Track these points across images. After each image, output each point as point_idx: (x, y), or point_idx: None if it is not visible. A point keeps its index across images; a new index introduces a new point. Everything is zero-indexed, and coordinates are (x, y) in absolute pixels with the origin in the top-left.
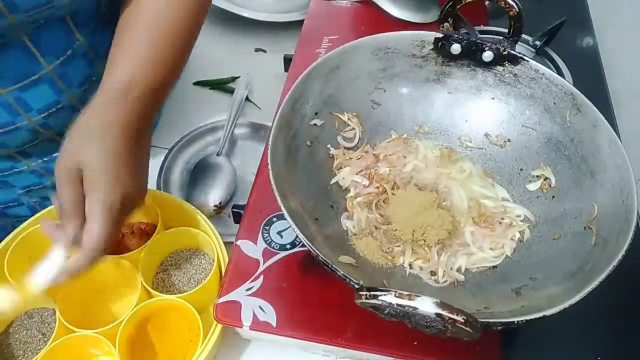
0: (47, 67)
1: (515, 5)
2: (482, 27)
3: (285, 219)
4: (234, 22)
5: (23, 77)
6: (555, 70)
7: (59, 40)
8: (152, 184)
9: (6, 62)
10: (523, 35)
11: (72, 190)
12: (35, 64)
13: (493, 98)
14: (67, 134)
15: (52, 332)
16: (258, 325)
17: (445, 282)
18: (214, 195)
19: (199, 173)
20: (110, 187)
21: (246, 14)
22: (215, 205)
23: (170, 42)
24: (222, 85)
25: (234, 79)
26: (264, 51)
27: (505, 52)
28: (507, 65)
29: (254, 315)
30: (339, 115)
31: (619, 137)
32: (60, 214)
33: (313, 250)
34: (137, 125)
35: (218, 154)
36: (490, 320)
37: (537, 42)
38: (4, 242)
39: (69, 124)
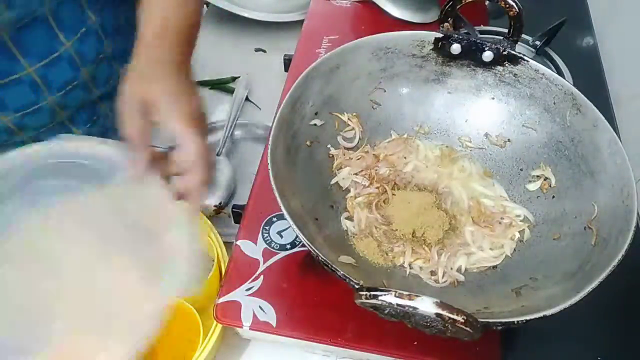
0: (66, 43)
1: (515, 5)
2: (482, 27)
3: (285, 219)
4: (234, 22)
5: (47, 54)
6: (555, 70)
7: (75, 17)
8: None
9: (33, 38)
10: (523, 35)
11: (142, 121)
12: (56, 41)
13: (493, 98)
14: (122, 80)
15: None
16: (258, 325)
17: (445, 282)
18: (214, 195)
19: None
20: (184, 103)
21: (246, 14)
22: (215, 206)
23: None
24: (222, 85)
25: (234, 79)
26: (264, 51)
27: (505, 52)
28: (507, 65)
29: (254, 315)
30: (339, 116)
31: (618, 137)
32: (132, 144)
33: (313, 250)
34: (180, 59)
35: (218, 154)
36: (490, 320)
37: (537, 42)
38: None
39: (81, 102)
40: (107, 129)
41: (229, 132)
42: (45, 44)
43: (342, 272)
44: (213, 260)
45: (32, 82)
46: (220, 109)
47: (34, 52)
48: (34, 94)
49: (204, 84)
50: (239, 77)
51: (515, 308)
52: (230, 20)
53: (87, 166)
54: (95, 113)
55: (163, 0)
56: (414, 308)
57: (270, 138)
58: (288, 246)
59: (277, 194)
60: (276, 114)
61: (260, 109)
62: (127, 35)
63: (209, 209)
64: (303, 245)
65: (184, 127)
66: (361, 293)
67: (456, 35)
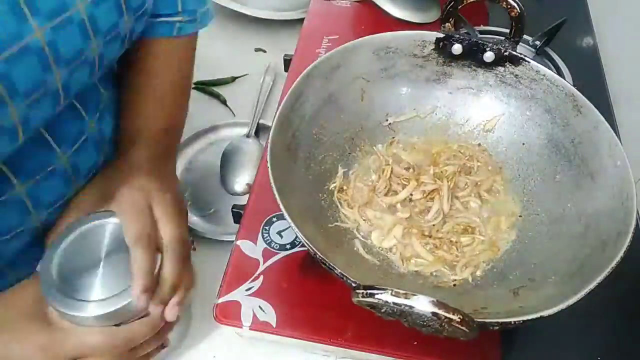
0: (62, 157)
1: (516, 6)
2: (482, 27)
3: (285, 219)
4: (233, 22)
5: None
6: (555, 70)
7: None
8: None
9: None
10: (523, 35)
11: (149, 221)
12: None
13: (494, 99)
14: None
15: None
16: (258, 325)
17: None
18: (245, 174)
19: (231, 155)
20: (170, 196)
21: (246, 12)
22: (247, 184)
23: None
24: (211, 89)
25: (234, 79)
26: (264, 51)
27: (506, 53)
28: (508, 66)
29: (254, 315)
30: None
31: (618, 137)
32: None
33: (311, 249)
34: (165, 155)
35: (248, 136)
36: (486, 321)
37: (537, 42)
38: None
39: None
40: None
41: (259, 115)
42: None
43: (339, 271)
44: None
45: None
46: (220, 109)
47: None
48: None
49: (204, 84)
50: (239, 77)
51: (512, 308)
52: (230, 20)
53: None
54: None
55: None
56: (411, 307)
57: (270, 137)
58: (288, 246)
59: (276, 194)
60: (276, 113)
61: (234, 115)
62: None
63: (242, 186)
64: (303, 245)
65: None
66: (358, 291)
67: (457, 36)
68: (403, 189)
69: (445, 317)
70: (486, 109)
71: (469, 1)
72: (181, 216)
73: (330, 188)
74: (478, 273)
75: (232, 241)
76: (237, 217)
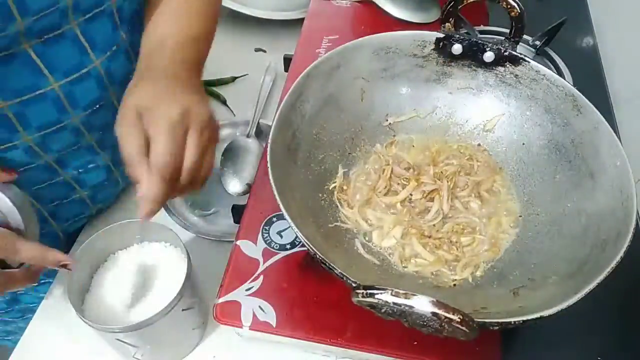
0: (95, 61)
1: (517, 6)
2: (482, 27)
3: (285, 219)
4: (234, 21)
5: (73, 70)
6: (555, 71)
7: (107, 35)
8: None
9: (58, 54)
10: (523, 35)
11: (137, 134)
12: (85, 57)
13: (494, 99)
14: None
15: None
16: (258, 325)
17: (455, 280)
18: (245, 174)
19: (231, 155)
20: (166, 105)
21: (246, 12)
22: (247, 184)
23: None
24: (212, 89)
25: (234, 79)
26: (264, 51)
27: (506, 53)
28: (508, 65)
29: (254, 315)
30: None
31: (618, 137)
32: (130, 164)
33: (311, 248)
34: (181, 68)
35: (248, 136)
36: (486, 321)
37: (537, 42)
38: None
39: (108, 125)
40: None
41: (259, 115)
42: (73, 60)
43: (339, 271)
44: None
45: (57, 99)
46: (220, 109)
47: (61, 67)
48: (58, 111)
49: (203, 83)
50: (239, 77)
51: (513, 308)
52: (230, 19)
53: None
54: None
55: (161, 19)
56: (410, 307)
57: (270, 137)
58: (288, 246)
59: (276, 194)
60: (276, 113)
61: (234, 115)
62: None
63: (241, 187)
64: (303, 245)
65: (160, 128)
66: (358, 292)
67: (457, 36)
68: (403, 189)
69: (445, 317)
70: (486, 109)
71: (469, 1)
72: (172, 130)
73: (330, 188)
74: (478, 273)
75: (232, 241)
76: (237, 217)
